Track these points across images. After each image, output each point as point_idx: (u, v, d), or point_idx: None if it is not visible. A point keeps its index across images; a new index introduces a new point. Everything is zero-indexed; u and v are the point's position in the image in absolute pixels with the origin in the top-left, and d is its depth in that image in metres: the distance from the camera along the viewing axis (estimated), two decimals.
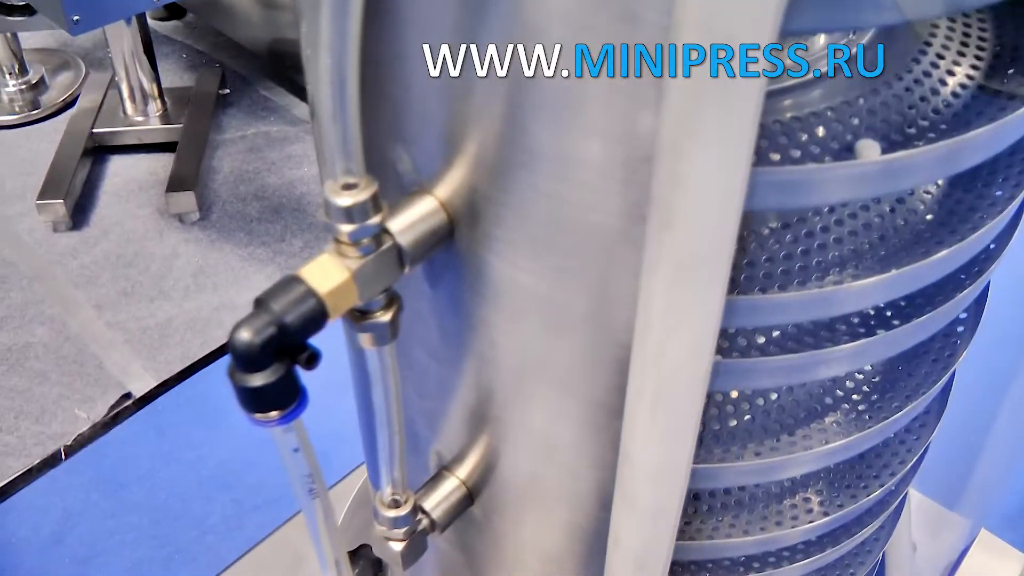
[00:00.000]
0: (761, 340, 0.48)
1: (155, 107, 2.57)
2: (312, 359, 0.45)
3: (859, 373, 0.57)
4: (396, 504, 0.47)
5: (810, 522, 0.52)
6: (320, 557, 0.45)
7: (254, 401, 0.44)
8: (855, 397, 0.55)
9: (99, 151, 2.54)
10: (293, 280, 0.43)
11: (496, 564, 0.52)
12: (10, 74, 2.72)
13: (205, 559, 1.59)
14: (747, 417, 0.51)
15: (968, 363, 0.59)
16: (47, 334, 2.08)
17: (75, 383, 1.98)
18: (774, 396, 0.52)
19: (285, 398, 0.45)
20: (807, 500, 0.54)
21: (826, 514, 0.53)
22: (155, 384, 1.97)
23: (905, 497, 0.66)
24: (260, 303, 0.42)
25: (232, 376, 0.44)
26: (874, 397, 0.54)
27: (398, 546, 0.48)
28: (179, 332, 2.11)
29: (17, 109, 2.70)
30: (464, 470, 0.51)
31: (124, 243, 2.31)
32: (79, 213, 2.38)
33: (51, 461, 1.82)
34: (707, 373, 0.38)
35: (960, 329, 0.58)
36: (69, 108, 2.66)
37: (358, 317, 0.46)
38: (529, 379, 0.46)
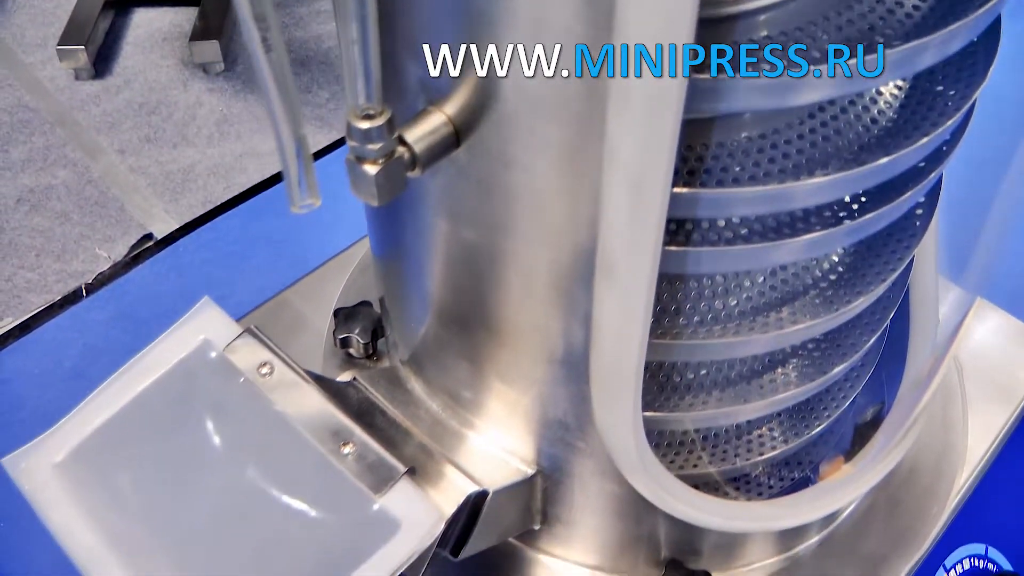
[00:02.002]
0: None
1: None
2: None
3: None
4: (369, 116, 0.43)
5: (824, 176, 0.46)
6: (276, 130, 0.41)
7: None
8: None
9: (122, 3, 2.48)
10: None
11: (488, 220, 0.48)
12: None
13: None
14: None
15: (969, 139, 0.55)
16: (69, 177, 2.06)
17: (96, 224, 1.97)
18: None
19: None
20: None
21: (838, 172, 0.47)
22: (177, 227, 1.95)
23: (931, 214, 0.61)
24: None
25: None
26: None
27: (372, 169, 0.43)
28: (202, 177, 2.08)
29: None
30: (452, 106, 0.46)
31: (147, 92, 2.27)
32: (101, 62, 2.33)
33: (72, 298, 1.81)
34: None
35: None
36: None
37: None
38: None
